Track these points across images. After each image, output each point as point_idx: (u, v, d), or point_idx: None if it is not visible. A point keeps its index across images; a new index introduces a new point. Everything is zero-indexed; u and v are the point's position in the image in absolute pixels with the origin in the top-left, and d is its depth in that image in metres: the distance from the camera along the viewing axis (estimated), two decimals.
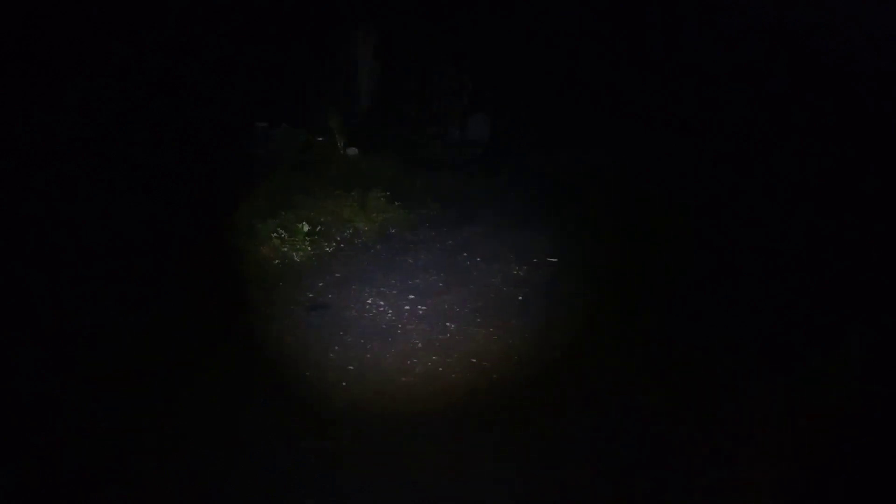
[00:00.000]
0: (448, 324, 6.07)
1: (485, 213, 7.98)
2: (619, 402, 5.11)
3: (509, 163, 8.81)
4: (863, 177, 7.87)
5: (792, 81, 8.88)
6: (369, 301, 6.34)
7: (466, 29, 9.23)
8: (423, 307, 6.34)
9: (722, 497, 4.29)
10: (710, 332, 5.81)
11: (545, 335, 5.87)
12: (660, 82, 9.45)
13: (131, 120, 8.22)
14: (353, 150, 9.05)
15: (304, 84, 9.36)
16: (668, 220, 7.69)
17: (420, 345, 5.80)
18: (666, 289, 6.54)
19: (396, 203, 7.99)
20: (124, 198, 7.41)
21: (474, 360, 5.60)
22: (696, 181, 8.32)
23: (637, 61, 9.66)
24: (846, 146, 8.16)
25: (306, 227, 7.39)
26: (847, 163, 8.06)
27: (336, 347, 5.75)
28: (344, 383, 5.37)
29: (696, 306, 6.19)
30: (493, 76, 9.27)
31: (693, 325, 5.92)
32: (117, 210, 7.28)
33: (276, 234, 7.22)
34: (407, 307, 6.31)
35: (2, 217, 6.66)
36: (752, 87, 9.04)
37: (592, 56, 9.74)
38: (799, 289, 6.38)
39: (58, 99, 7.78)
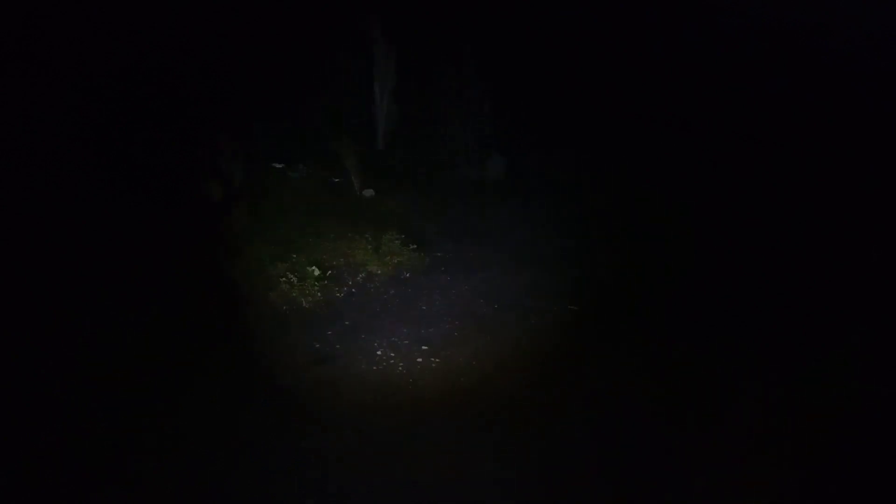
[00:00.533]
0: (462, 379, 5.75)
1: (501, 254, 7.87)
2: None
3: (525, 200, 8.77)
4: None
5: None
6: (379, 352, 6.06)
7: (486, 69, 9.18)
8: (437, 359, 6.04)
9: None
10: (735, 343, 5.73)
11: (567, 391, 5.53)
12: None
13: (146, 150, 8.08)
14: (368, 192, 8.98)
15: (321, 120, 9.45)
16: (683, 248, 7.39)
17: (432, 400, 5.47)
18: (687, 327, 6.20)
19: (411, 246, 7.83)
20: (135, 230, 7.20)
21: (491, 419, 5.23)
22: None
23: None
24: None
25: (317, 272, 7.24)
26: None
27: (341, 407, 5.38)
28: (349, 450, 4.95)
29: (720, 320, 6.07)
30: (511, 113, 9.30)
31: (716, 337, 5.85)
32: (127, 222, 7.15)
33: (285, 279, 7.07)
34: (419, 359, 6.02)
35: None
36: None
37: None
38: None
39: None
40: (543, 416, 5.20)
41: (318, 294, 7.00)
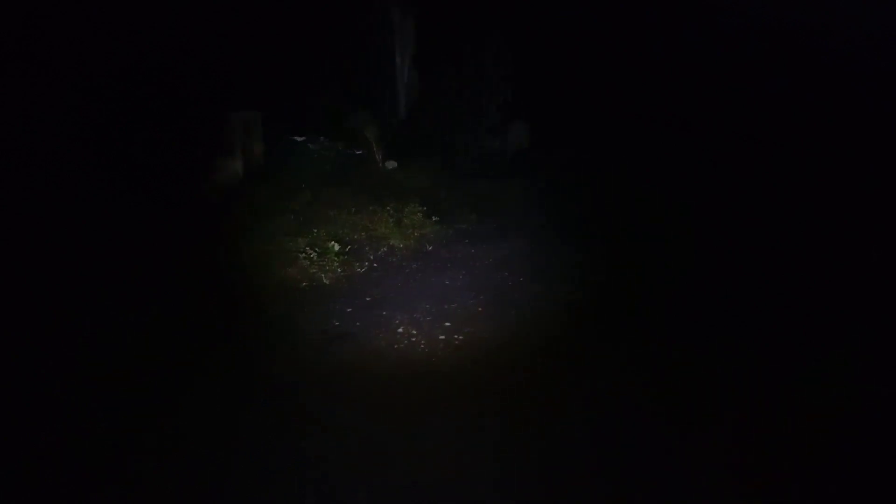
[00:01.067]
0: (488, 356, 5.47)
1: (524, 224, 7.62)
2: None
3: (548, 170, 8.56)
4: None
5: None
6: (400, 330, 5.85)
7: (506, 38, 9.06)
8: (460, 336, 5.80)
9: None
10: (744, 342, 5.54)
11: (595, 365, 5.34)
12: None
13: (147, 134, 7.89)
14: (391, 163, 8.83)
15: (341, 93, 9.17)
16: (683, 247, 7.15)
17: (453, 380, 5.21)
18: (706, 307, 6.08)
19: (433, 218, 7.63)
20: (135, 210, 7.14)
21: (517, 398, 4.97)
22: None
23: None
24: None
25: (337, 247, 7.04)
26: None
27: (360, 385, 5.15)
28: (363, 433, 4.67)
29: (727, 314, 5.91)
30: (531, 84, 9.16)
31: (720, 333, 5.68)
32: (127, 222, 6.99)
33: (304, 254, 6.88)
34: (442, 336, 5.78)
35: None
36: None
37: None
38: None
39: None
40: (567, 398, 5.01)
41: (339, 270, 6.80)
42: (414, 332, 5.92)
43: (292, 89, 8.95)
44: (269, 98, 8.71)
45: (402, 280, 6.72)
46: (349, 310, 6.22)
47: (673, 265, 6.77)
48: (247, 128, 8.39)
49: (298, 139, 9.02)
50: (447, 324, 6.02)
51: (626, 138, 9.03)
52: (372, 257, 7.08)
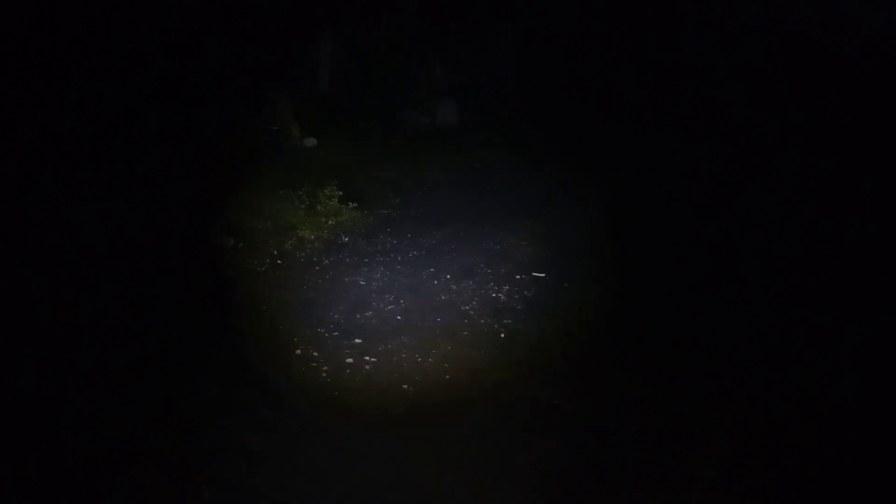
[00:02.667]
0: (405, 386, 4.32)
1: (455, 211, 6.69)
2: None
3: (480, 152, 7.80)
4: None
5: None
6: (297, 352, 4.61)
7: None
8: (373, 358, 4.62)
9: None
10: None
11: (532, 383, 4.39)
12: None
13: None
14: (310, 141, 7.81)
15: (253, 64, 7.99)
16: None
17: (361, 424, 3.94)
18: (663, 299, 5.49)
19: (351, 204, 6.59)
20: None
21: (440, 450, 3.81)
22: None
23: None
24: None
25: (231, 241, 5.84)
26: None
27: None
28: None
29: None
30: (464, 59, 8.47)
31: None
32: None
33: (191, 252, 5.53)
34: (349, 360, 4.57)
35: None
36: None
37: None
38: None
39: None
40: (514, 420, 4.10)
41: (230, 270, 5.53)
42: (314, 354, 4.65)
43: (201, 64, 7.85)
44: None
45: (309, 281, 5.57)
46: (237, 324, 4.85)
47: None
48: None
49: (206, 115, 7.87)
50: (357, 340, 4.80)
51: (609, 128, 8.37)
52: (276, 252, 5.92)
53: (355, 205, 6.58)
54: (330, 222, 6.38)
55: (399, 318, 5.10)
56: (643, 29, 9.92)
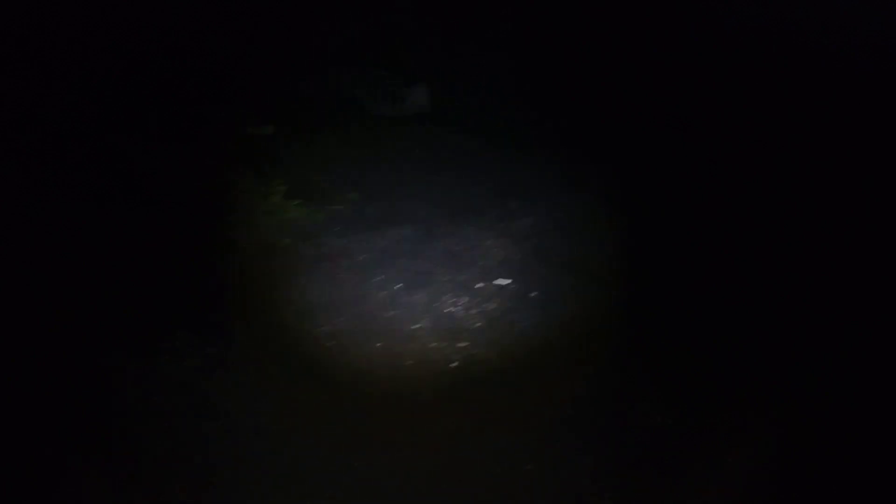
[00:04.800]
0: (337, 458, 3.64)
1: (417, 208, 5.90)
2: None
3: (453, 141, 6.86)
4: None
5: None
6: (209, 411, 3.89)
7: None
8: (295, 423, 3.81)
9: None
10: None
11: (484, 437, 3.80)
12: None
13: None
14: (268, 129, 7.01)
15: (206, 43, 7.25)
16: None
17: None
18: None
19: (296, 201, 5.75)
20: None
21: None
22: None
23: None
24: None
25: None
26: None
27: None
28: None
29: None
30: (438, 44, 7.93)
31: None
32: None
33: None
34: (251, 430, 3.78)
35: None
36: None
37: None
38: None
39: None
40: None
41: None
42: (228, 415, 3.90)
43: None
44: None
45: (230, 300, 4.80)
46: (137, 366, 4.16)
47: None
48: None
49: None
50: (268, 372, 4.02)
51: (569, 117, 7.67)
52: (200, 259, 5.13)
53: (300, 202, 5.75)
54: (270, 222, 5.58)
55: (330, 344, 4.39)
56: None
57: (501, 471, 3.80)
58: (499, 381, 4.34)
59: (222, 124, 7.27)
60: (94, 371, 4.43)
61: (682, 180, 7.69)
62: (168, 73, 7.35)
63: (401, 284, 5.10)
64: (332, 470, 3.80)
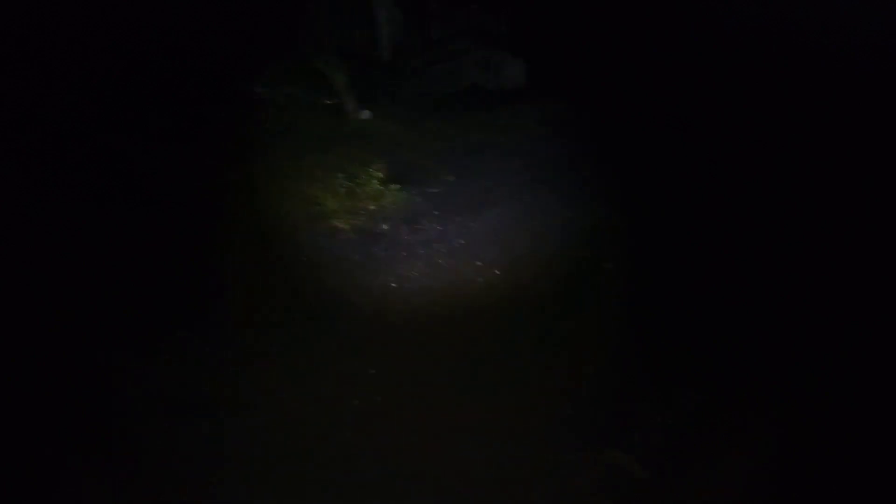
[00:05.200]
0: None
1: (515, 185, 5.82)
2: None
3: (549, 115, 6.87)
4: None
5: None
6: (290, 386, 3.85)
7: None
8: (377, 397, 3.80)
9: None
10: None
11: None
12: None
13: None
14: (365, 114, 7.13)
15: (308, 33, 7.58)
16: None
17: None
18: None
19: (395, 185, 5.69)
20: None
21: None
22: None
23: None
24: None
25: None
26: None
27: None
28: None
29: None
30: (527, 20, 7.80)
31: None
32: None
33: None
34: (356, 402, 3.81)
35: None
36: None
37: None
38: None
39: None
40: None
41: (234, 266, 4.86)
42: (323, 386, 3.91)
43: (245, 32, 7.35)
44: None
45: (321, 292, 4.75)
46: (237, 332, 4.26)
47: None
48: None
49: (259, 90, 7.30)
50: (372, 371, 3.98)
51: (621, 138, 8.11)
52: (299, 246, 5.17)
53: (398, 186, 5.68)
54: (370, 207, 5.53)
55: (426, 358, 4.18)
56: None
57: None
58: None
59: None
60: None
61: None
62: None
63: (497, 271, 5.05)
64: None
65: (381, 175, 5.86)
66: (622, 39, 8.92)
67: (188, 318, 4.72)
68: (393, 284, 4.91)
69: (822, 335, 4.97)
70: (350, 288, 4.80)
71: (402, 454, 3.77)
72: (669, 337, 4.81)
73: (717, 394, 4.42)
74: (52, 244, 5.31)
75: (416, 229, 5.39)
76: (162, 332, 4.57)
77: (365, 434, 3.95)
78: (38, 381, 4.33)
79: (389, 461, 3.73)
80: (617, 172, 6.69)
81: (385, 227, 5.45)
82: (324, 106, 7.33)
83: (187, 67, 7.44)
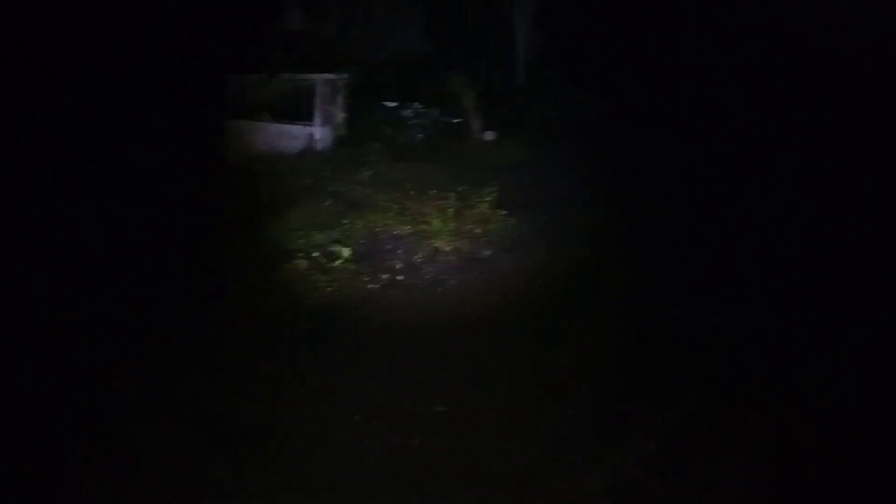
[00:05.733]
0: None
1: (627, 216, 5.61)
2: None
3: (643, 146, 6.68)
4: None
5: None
6: (365, 444, 3.53)
7: None
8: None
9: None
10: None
11: None
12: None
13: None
14: (489, 134, 7.29)
15: (439, 51, 7.71)
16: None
17: None
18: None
19: (502, 211, 5.62)
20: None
21: None
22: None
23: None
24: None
25: (346, 252, 5.12)
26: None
27: None
28: None
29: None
30: None
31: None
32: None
33: (304, 257, 4.89)
34: (434, 461, 3.45)
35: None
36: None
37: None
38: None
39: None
40: None
41: (329, 288, 4.68)
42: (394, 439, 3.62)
43: (376, 46, 7.59)
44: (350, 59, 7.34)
45: (420, 311, 4.55)
46: (303, 375, 4.02)
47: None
48: (329, 92, 6.98)
49: (390, 105, 7.50)
50: (440, 408, 3.71)
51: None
52: (400, 266, 5.05)
53: (506, 212, 5.61)
54: (476, 231, 5.45)
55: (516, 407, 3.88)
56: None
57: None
58: None
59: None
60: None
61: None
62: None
63: (598, 312, 4.90)
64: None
65: (491, 198, 5.84)
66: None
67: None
68: (481, 313, 4.72)
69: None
70: (438, 311, 4.62)
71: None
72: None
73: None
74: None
75: (520, 257, 5.24)
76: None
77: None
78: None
79: None
80: None
81: (487, 252, 5.33)
82: (451, 125, 7.47)
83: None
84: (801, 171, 7.89)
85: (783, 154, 8.37)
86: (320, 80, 7.19)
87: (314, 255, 5.08)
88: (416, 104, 7.68)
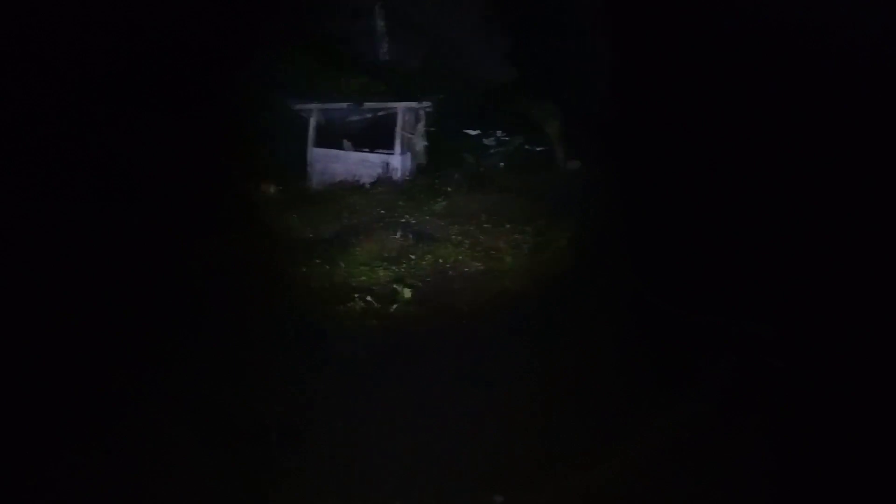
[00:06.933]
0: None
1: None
2: None
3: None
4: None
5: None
6: None
7: None
8: None
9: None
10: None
11: None
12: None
13: None
14: (574, 164, 7.04)
15: (518, 79, 7.43)
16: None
17: None
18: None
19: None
20: None
21: None
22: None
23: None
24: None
25: (407, 293, 4.88)
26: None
27: None
28: None
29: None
30: None
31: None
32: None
33: (360, 298, 4.62)
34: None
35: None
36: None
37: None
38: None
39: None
40: None
41: (387, 333, 4.44)
42: None
43: (460, 73, 7.42)
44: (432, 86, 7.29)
45: (473, 359, 4.27)
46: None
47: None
48: (411, 121, 7.00)
49: (472, 133, 7.40)
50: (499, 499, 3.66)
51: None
52: (462, 309, 4.71)
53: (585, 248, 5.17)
54: (551, 270, 5.08)
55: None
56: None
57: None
58: None
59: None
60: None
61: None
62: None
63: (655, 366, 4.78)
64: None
65: (570, 234, 5.49)
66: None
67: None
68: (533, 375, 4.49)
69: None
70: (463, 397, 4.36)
71: None
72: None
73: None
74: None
75: (572, 294, 5.02)
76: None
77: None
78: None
79: None
80: None
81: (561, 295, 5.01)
82: (534, 153, 7.21)
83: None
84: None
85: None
86: (402, 108, 7.26)
87: (372, 294, 4.80)
88: (499, 132, 7.62)
